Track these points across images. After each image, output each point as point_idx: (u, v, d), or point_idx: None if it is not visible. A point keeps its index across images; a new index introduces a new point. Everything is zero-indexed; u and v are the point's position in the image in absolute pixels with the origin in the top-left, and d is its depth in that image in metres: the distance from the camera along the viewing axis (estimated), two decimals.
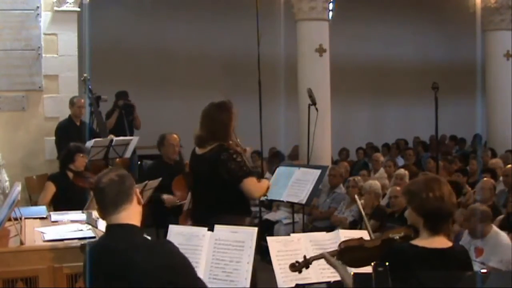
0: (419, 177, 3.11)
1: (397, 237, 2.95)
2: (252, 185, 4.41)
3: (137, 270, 2.66)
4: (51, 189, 5.99)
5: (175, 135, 6.77)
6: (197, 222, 4.49)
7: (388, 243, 2.96)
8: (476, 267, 5.24)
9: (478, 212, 5.42)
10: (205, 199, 4.54)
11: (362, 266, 3.10)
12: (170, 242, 2.85)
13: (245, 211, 4.61)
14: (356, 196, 4.41)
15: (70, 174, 6.09)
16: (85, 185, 6.03)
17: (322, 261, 3.43)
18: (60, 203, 5.78)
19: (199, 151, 4.56)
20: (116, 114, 8.80)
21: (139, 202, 2.84)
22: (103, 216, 2.83)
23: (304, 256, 3.24)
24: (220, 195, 4.41)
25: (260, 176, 8.44)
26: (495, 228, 5.45)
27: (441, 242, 2.91)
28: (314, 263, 3.35)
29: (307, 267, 3.24)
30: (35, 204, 7.01)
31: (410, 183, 3.07)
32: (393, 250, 2.89)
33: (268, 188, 4.65)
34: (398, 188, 7.16)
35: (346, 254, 3.11)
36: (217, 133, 4.45)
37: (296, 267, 3.22)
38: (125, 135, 8.13)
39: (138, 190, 2.86)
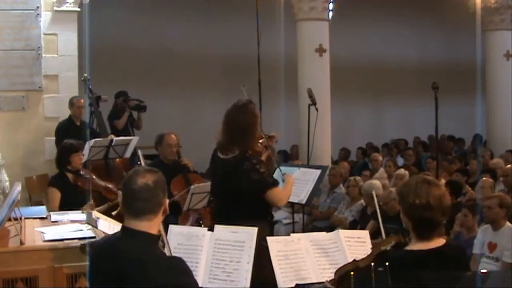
0: (413, 177, 3.06)
1: (389, 247, 2.91)
2: (277, 195, 4.24)
3: (143, 283, 2.59)
4: (57, 195, 5.77)
5: (173, 135, 6.68)
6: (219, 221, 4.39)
7: (382, 256, 2.92)
8: (490, 263, 5.24)
9: (497, 198, 5.40)
10: (226, 205, 4.36)
11: None
12: (181, 260, 2.74)
13: (265, 217, 4.38)
14: (373, 194, 4.29)
15: (70, 175, 5.96)
16: (85, 186, 6.00)
17: (322, 261, 3.43)
18: (64, 206, 5.61)
19: (221, 155, 4.33)
20: (127, 115, 8.77)
21: (164, 212, 2.76)
22: (124, 212, 2.75)
23: None
24: (241, 203, 4.22)
25: None
26: (508, 223, 5.43)
27: (435, 242, 2.89)
28: (315, 262, 3.36)
29: None
30: (35, 204, 7.02)
31: (403, 184, 3.03)
32: (390, 259, 2.82)
33: (292, 183, 4.51)
34: (392, 189, 7.15)
35: (344, 281, 3.06)
36: (239, 139, 4.22)
37: None
38: (131, 135, 8.10)
39: (167, 201, 2.78)
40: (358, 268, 2.98)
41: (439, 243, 2.89)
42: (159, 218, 2.73)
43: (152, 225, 2.70)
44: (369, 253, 3.04)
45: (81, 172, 6.07)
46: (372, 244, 3.45)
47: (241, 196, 4.20)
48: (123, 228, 2.75)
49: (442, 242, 2.90)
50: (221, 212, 4.46)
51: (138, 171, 2.74)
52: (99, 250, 2.83)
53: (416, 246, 2.86)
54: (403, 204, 2.88)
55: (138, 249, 2.65)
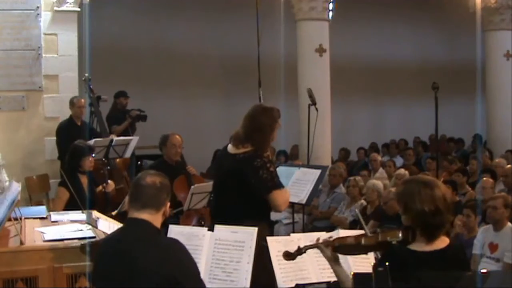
0: (409, 180, 3.07)
1: (395, 242, 2.91)
2: (281, 198, 4.22)
3: (136, 263, 2.77)
4: (65, 196, 5.64)
5: (178, 136, 6.65)
6: (217, 219, 4.28)
7: (384, 246, 2.94)
8: (491, 264, 5.24)
9: (502, 199, 5.40)
10: (227, 203, 4.32)
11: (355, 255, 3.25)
12: (177, 241, 2.98)
13: (266, 218, 4.36)
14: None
15: (82, 177, 5.81)
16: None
17: (323, 261, 3.43)
18: (73, 207, 5.44)
19: (232, 150, 4.32)
20: (126, 124, 8.74)
21: (164, 214, 3.00)
22: (128, 206, 2.99)
23: (298, 246, 3.26)
24: (245, 199, 4.20)
25: None
26: (509, 224, 5.42)
27: (440, 241, 2.90)
28: (315, 262, 3.36)
29: (301, 254, 3.26)
30: (35, 204, 7.02)
31: (401, 187, 2.98)
32: (392, 256, 2.85)
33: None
34: (392, 189, 7.14)
35: (341, 249, 3.13)
36: (254, 136, 4.24)
37: (290, 256, 3.25)
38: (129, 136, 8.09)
39: (169, 204, 3.04)
40: (359, 244, 3.02)
41: (443, 243, 2.90)
42: (160, 216, 2.97)
43: (153, 219, 2.93)
44: (375, 234, 3.05)
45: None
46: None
47: (245, 195, 4.18)
48: (125, 221, 3.02)
49: (446, 242, 2.91)
50: (220, 210, 4.40)
51: (148, 172, 3.04)
52: (104, 244, 3.05)
53: (420, 246, 2.86)
54: (410, 212, 2.87)
55: (137, 231, 2.90)
